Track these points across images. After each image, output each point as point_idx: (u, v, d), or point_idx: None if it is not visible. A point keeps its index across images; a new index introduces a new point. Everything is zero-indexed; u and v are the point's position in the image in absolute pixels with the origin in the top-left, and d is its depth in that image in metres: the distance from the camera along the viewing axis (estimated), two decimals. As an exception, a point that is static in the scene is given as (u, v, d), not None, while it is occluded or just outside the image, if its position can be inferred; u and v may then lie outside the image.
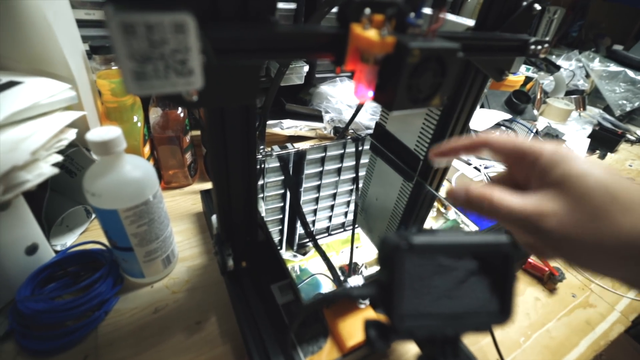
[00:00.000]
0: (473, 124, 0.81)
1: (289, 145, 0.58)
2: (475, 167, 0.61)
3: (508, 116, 0.86)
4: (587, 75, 1.11)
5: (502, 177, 0.25)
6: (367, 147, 0.58)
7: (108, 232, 0.37)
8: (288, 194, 0.55)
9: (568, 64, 1.11)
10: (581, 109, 1.04)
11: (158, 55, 0.17)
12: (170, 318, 0.39)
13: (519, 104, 0.93)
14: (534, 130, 0.86)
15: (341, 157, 0.57)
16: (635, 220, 0.17)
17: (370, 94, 0.24)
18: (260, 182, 0.51)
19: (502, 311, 0.18)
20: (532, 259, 0.49)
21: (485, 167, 0.65)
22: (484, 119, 0.83)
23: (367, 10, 0.22)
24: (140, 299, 0.40)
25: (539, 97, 0.99)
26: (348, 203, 0.64)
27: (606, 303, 0.48)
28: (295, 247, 0.63)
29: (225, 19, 0.21)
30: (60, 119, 0.35)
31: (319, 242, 0.65)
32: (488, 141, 0.25)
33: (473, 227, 0.41)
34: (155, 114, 0.52)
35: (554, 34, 1.13)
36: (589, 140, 0.92)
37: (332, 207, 0.63)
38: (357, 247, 0.61)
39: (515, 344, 0.41)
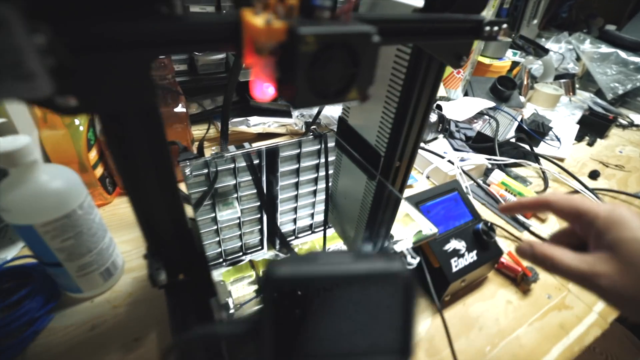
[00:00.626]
0: (453, 113, 0.77)
1: (246, 144, 0.54)
2: (449, 161, 0.58)
3: (491, 104, 0.82)
4: (578, 58, 1.06)
5: (566, 232, 0.28)
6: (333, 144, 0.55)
7: (31, 248, 0.34)
8: (265, 192, 0.52)
9: (557, 46, 1.06)
10: (571, 93, 1.00)
11: (-20, 57, 0.14)
12: (108, 335, 0.36)
13: (504, 90, 0.89)
14: (519, 118, 0.82)
15: (318, 153, 0.54)
16: None
17: (272, 90, 0.20)
18: (233, 182, 0.49)
19: (402, 350, 0.15)
20: (505, 259, 0.46)
21: (461, 160, 0.62)
22: (465, 108, 0.80)
23: (261, -9, 0.18)
24: (77, 315, 0.38)
25: (525, 82, 0.95)
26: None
27: (583, 304, 0.45)
28: (277, 247, 0.61)
29: (98, 10, 0.18)
30: (-31, 127, 0.32)
31: (304, 239, 0.62)
32: (549, 202, 0.28)
33: (433, 229, 0.38)
34: (102, 115, 0.49)
35: (542, 15, 1.07)
36: (578, 126, 0.88)
37: (313, 204, 0.60)
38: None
39: (480, 353, 0.38)
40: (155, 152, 0.26)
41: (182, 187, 0.40)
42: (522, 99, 0.95)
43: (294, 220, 0.60)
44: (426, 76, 0.37)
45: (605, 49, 1.01)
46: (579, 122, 0.90)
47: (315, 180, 0.57)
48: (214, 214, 0.43)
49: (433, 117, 0.66)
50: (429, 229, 0.39)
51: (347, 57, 0.19)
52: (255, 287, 0.49)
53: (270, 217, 0.54)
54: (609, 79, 0.99)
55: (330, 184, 0.60)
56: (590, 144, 0.84)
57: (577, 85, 1.08)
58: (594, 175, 0.71)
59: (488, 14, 0.79)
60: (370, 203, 0.50)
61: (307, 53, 0.18)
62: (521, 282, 0.45)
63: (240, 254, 0.57)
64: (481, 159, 0.64)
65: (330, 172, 0.58)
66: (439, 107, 0.79)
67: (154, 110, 0.24)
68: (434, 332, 0.39)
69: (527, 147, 0.72)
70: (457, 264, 0.40)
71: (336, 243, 0.59)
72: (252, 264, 0.55)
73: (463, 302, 0.43)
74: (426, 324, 0.40)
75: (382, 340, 0.15)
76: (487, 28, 0.32)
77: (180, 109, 0.54)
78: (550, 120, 0.85)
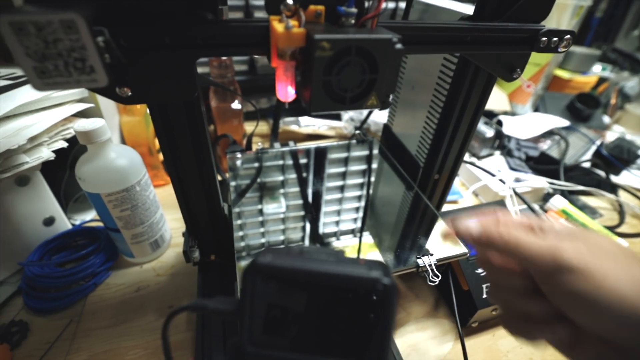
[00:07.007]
0: (516, 130, 0.71)
1: (291, 142, 0.57)
2: (501, 180, 0.53)
3: (564, 123, 0.74)
4: (692, 76, 0.89)
5: None
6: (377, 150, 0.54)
7: (99, 214, 0.40)
8: (310, 191, 0.54)
9: (664, 61, 0.90)
10: (675, 117, 0.84)
11: (55, 53, 0.18)
12: (148, 298, 0.41)
13: (584, 109, 0.79)
14: (599, 142, 0.72)
15: (365, 159, 0.55)
16: None
17: (292, 92, 0.22)
18: (281, 178, 0.51)
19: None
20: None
21: (516, 180, 0.56)
22: (531, 125, 0.72)
23: (289, 0, 0.20)
24: (128, 276, 0.44)
25: (613, 101, 0.82)
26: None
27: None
28: (320, 245, 0.62)
29: (146, 16, 0.21)
30: (66, 110, 0.39)
31: (346, 242, 0.63)
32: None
33: (463, 249, 0.36)
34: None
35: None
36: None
37: (357, 209, 0.61)
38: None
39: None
40: (196, 142, 0.30)
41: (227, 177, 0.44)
42: (606, 120, 0.83)
43: (337, 223, 0.61)
44: (472, 87, 0.35)
45: None
46: (682, 152, 0.76)
47: (362, 186, 0.57)
48: (260, 206, 0.46)
49: (489, 133, 0.61)
50: (459, 248, 0.36)
51: (365, 63, 0.20)
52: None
53: (313, 216, 0.55)
54: None
55: (371, 190, 0.59)
56: (694, 178, 0.70)
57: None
58: (691, 216, 0.59)
59: (570, 23, 0.71)
60: (406, 214, 0.48)
61: (323, 57, 0.19)
62: (568, 324, 0.40)
63: (282, 247, 0.58)
64: (541, 182, 0.58)
65: (374, 179, 0.58)
66: (499, 122, 0.73)
67: (196, 104, 0.28)
68: (453, 358, 0.37)
69: (602, 173, 0.63)
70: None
71: (374, 251, 0.58)
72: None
73: (493, 332, 0.40)
74: (447, 347, 0.38)
75: (354, 350, 0.15)
76: (544, 39, 0.29)
77: (236, 105, 0.58)
78: (639, 147, 0.73)
